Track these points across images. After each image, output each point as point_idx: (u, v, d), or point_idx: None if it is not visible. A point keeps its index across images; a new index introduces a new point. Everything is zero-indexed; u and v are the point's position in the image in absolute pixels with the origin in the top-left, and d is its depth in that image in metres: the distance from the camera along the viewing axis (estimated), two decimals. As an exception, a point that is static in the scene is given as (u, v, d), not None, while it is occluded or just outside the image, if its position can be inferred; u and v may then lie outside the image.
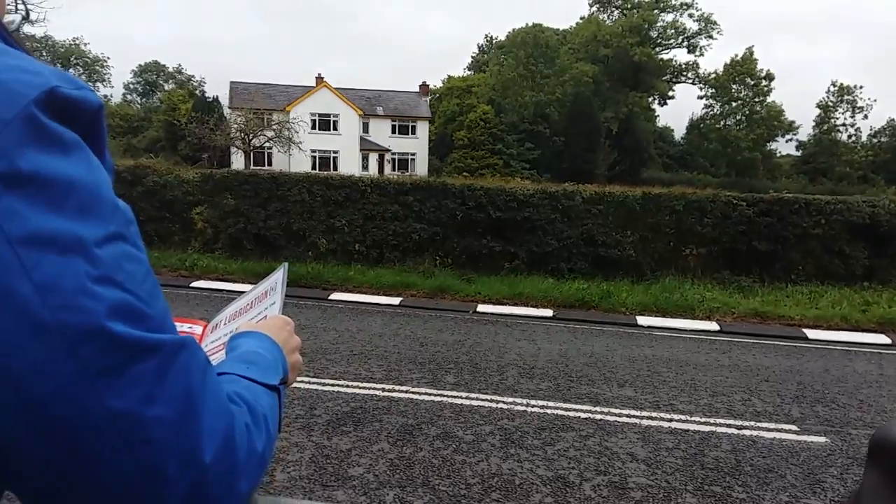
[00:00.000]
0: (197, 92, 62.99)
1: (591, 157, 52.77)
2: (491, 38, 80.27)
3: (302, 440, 5.11)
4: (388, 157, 53.32)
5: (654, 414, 6.20)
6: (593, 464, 5.00)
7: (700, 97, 69.07)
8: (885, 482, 0.65)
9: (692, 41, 66.29)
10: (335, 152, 49.11)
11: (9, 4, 0.78)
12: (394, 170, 51.61)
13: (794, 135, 64.01)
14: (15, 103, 0.53)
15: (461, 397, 6.38)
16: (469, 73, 75.87)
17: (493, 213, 13.26)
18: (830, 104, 62.26)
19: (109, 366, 0.53)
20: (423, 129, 55.76)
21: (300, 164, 41.57)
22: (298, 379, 6.47)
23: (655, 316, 10.99)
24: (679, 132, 71.09)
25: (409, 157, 54.28)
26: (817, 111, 62.87)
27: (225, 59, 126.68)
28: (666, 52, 67.51)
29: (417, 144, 55.08)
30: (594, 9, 68.71)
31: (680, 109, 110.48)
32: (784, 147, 73.25)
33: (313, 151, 47.16)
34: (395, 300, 11.37)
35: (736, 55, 62.57)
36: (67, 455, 0.53)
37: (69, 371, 0.52)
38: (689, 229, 13.34)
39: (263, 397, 0.77)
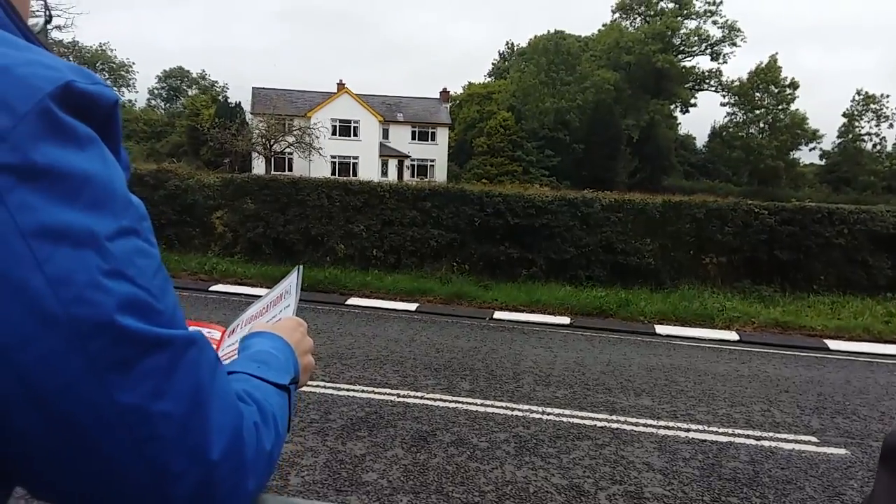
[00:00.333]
0: (220, 97, 63.60)
1: (612, 164, 52.55)
2: (512, 44, 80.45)
3: (316, 444, 5.12)
4: (407, 163, 53.46)
5: (671, 424, 6.14)
6: (609, 473, 4.95)
7: (723, 104, 68.56)
8: None
9: (715, 48, 65.84)
10: (355, 158, 49.33)
11: (36, 12, 0.79)
12: (413, 176, 51.68)
13: (818, 143, 63.29)
14: (30, 97, 0.53)
15: (476, 404, 6.35)
16: (489, 79, 75.93)
17: (512, 219, 13.23)
18: (856, 113, 61.49)
19: (118, 360, 0.54)
20: (442, 135, 55.87)
21: (320, 169, 41.80)
22: (314, 383, 6.50)
23: (674, 325, 10.89)
24: (701, 140, 70.60)
25: (429, 163, 54.36)
26: (842, 120, 62.15)
27: (248, 65, 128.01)
28: (689, 59, 67.15)
29: (437, 151, 55.17)
30: (617, 15, 68.52)
31: (702, 117, 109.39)
32: (807, 156, 72.43)
33: (333, 157, 47.43)
34: (412, 306, 11.38)
35: (760, 62, 62.05)
36: (75, 448, 0.53)
37: (78, 365, 0.52)
38: (710, 238, 13.21)
39: (273, 397, 0.77)
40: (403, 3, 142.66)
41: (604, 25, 68.45)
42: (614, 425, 6.01)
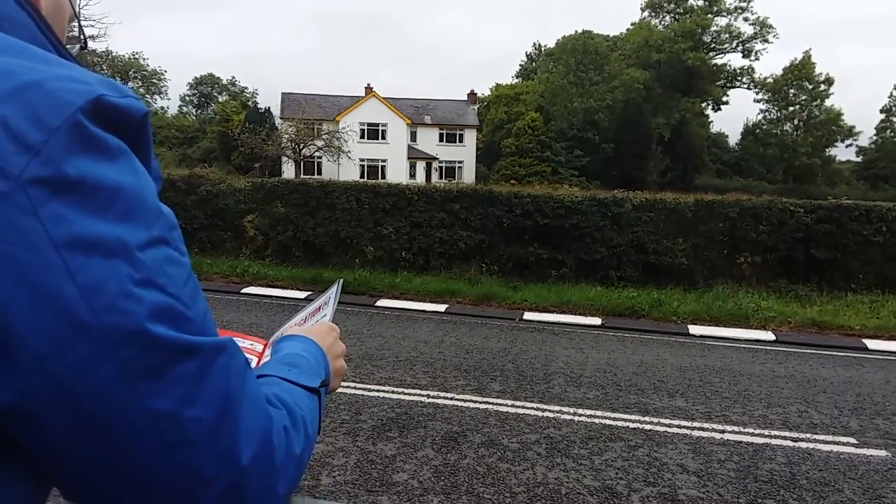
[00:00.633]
0: (250, 103, 64.45)
1: (643, 163, 52.06)
2: (540, 45, 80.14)
3: (347, 445, 5.13)
4: (435, 165, 53.59)
5: (705, 425, 6.04)
6: (642, 475, 4.89)
7: (756, 101, 67.49)
8: None
9: (747, 45, 64.87)
10: (383, 161, 49.59)
11: (70, 33, 0.80)
12: (441, 178, 51.77)
13: (855, 140, 61.97)
14: (62, 111, 0.54)
15: (507, 405, 6.32)
16: (517, 80, 75.75)
17: (541, 220, 13.16)
18: (894, 108, 60.03)
19: (150, 367, 0.55)
20: (470, 137, 55.89)
21: (349, 172, 42.10)
22: (344, 384, 6.52)
23: (708, 325, 10.73)
24: (733, 138, 69.61)
25: (457, 165, 54.41)
26: (881, 116, 60.76)
27: (277, 71, 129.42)
28: (720, 56, 66.25)
29: (465, 152, 55.20)
30: (646, 14, 67.86)
31: (734, 115, 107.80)
32: (843, 153, 70.88)
33: (362, 160, 47.75)
34: (441, 307, 11.37)
35: (795, 58, 60.98)
36: (107, 454, 0.55)
37: (111, 372, 0.53)
38: (744, 237, 12.99)
39: (303, 400, 0.79)
40: (430, 6, 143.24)
41: (632, 24, 67.89)
42: (647, 426, 5.93)
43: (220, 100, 76.31)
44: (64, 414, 0.52)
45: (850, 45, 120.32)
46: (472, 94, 59.27)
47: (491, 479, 4.67)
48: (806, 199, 14.60)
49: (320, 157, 44.11)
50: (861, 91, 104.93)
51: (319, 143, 42.02)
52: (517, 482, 4.66)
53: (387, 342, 8.65)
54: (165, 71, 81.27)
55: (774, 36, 64.53)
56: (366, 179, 30.63)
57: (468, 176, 52.72)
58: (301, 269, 13.34)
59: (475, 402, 6.37)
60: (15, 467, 0.56)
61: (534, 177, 49.24)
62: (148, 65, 73.41)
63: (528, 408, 6.27)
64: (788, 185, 54.29)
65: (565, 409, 6.30)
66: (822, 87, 59.81)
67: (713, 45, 65.45)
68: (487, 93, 68.11)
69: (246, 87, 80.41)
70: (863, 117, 73.24)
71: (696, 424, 6.04)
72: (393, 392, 6.51)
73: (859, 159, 63.72)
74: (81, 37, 0.84)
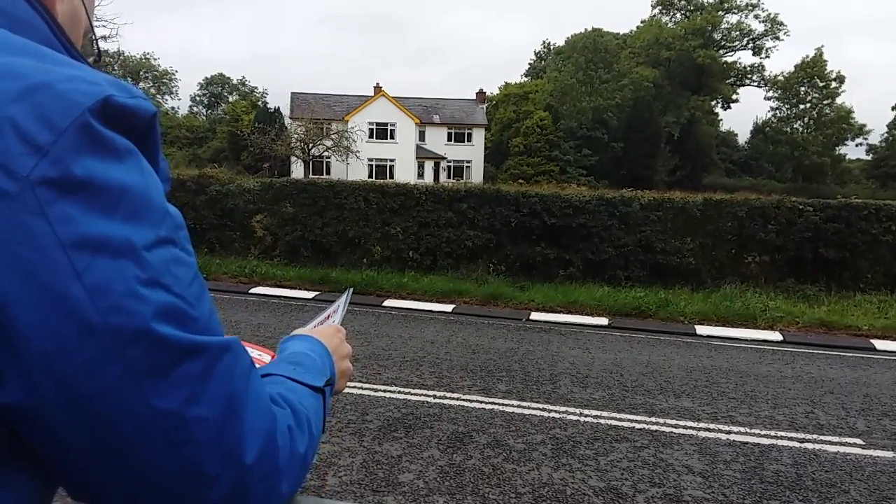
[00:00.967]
0: (259, 103, 64.67)
1: (651, 162, 51.89)
2: (549, 44, 79.96)
3: (353, 445, 5.17)
4: (443, 164, 53.59)
5: (711, 426, 6.03)
6: (647, 475, 4.89)
7: (767, 98, 67.14)
8: None
9: (757, 43, 64.61)
10: (392, 160, 49.66)
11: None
12: (449, 177, 51.81)
13: (865, 138, 61.55)
14: (70, 112, 0.55)
15: (513, 405, 6.34)
16: (526, 79, 75.62)
17: (548, 219, 13.15)
18: (906, 106, 59.58)
19: (155, 366, 0.55)
20: (478, 136, 55.86)
21: (357, 172, 42.20)
22: (351, 384, 6.55)
23: (715, 325, 10.70)
24: (743, 136, 69.23)
25: (465, 164, 54.41)
26: (892, 114, 60.27)
27: (287, 71, 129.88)
28: (730, 54, 65.96)
29: (473, 152, 55.18)
30: (656, 11, 67.62)
31: (744, 113, 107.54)
32: (853, 152, 70.41)
33: (370, 160, 47.83)
34: (448, 307, 11.39)
35: (806, 56, 60.60)
36: (112, 453, 0.55)
37: (116, 371, 0.54)
38: (752, 236, 12.93)
39: (308, 399, 0.79)
40: (440, 5, 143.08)
41: (642, 22, 67.67)
42: (653, 427, 5.93)
43: (230, 100, 76.62)
44: (70, 413, 0.53)
45: (861, 42, 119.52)
46: (480, 94, 59.22)
47: (496, 480, 4.70)
48: (815, 197, 14.50)
49: (329, 157, 44.21)
50: (872, 89, 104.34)
51: (328, 143, 42.11)
52: (522, 483, 4.68)
53: (394, 342, 8.68)
54: (176, 71, 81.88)
55: (785, 33, 64.48)
56: (374, 179, 30.70)
57: (476, 175, 52.72)
58: (309, 269, 13.38)
59: (481, 402, 6.39)
60: (22, 466, 0.57)
61: (542, 176, 49.16)
62: (159, 65, 73.89)
63: (533, 408, 6.29)
64: (798, 183, 53.99)
65: (571, 409, 6.31)
66: (834, 84, 59.44)
67: (723, 43, 65.19)
68: (496, 92, 68.12)
69: (256, 87, 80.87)
70: (873, 115, 72.61)
71: (702, 425, 6.04)
72: (399, 392, 6.54)
73: (869, 157, 63.25)
74: (96, 49, 0.84)
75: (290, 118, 49.22)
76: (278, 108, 53.82)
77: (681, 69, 60.71)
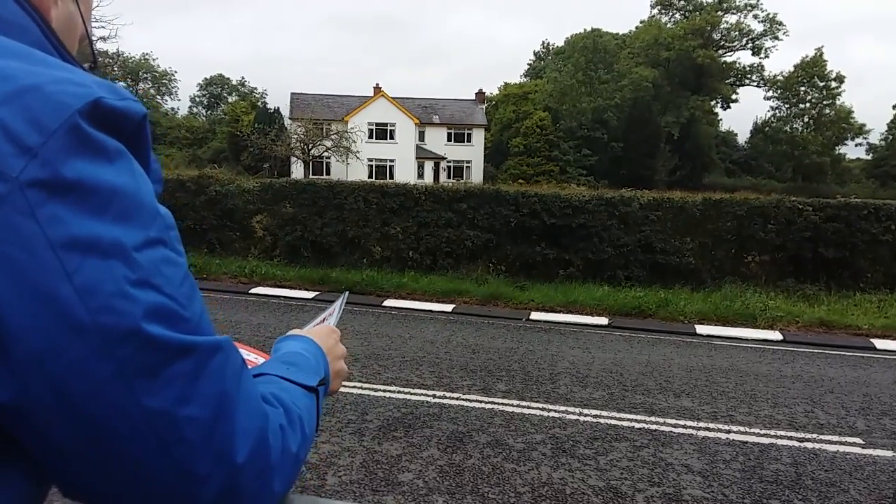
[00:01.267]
0: (259, 104, 64.67)
1: (651, 162, 51.90)
2: (548, 44, 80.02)
3: (353, 445, 5.17)
4: (443, 164, 53.62)
5: (711, 425, 6.03)
6: (647, 475, 4.90)
7: (766, 98, 67.17)
8: None
9: (757, 43, 64.61)
10: (391, 161, 49.67)
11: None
12: (449, 178, 51.84)
13: (865, 138, 61.56)
14: (60, 114, 0.55)
15: (512, 405, 6.34)
16: (526, 79, 75.64)
17: (548, 219, 13.15)
18: (905, 105, 59.58)
19: (145, 366, 0.55)
20: (478, 136, 55.89)
21: (357, 172, 42.22)
22: (351, 384, 6.57)
23: (715, 325, 10.70)
24: (742, 136, 69.23)
25: (465, 164, 54.44)
26: (893, 113, 60.29)
27: (286, 72, 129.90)
28: (729, 54, 65.98)
29: (473, 152, 55.21)
30: (655, 11, 67.67)
31: (744, 113, 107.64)
32: (853, 151, 70.40)
33: (370, 160, 47.85)
34: (448, 307, 11.39)
35: (805, 56, 60.65)
36: (103, 452, 0.55)
37: (107, 371, 0.54)
38: (752, 236, 12.93)
39: (301, 398, 0.79)
40: (440, 6, 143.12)
41: (642, 22, 67.71)
42: (653, 427, 5.94)
43: (229, 100, 76.64)
44: (60, 413, 0.53)
45: (861, 42, 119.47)
46: (480, 94, 59.25)
47: (496, 479, 4.70)
48: (815, 197, 14.50)
49: (329, 158, 44.23)
50: (871, 88, 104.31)
51: (328, 144, 42.14)
52: (522, 482, 4.68)
53: (394, 342, 8.68)
54: (176, 72, 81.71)
55: (784, 33, 64.53)
56: (374, 179, 30.68)
57: (476, 175, 52.75)
58: (309, 269, 13.38)
59: (481, 402, 6.39)
60: (14, 465, 0.57)
61: (542, 176, 49.25)
62: (158, 66, 73.92)
63: (533, 408, 6.29)
64: (798, 183, 53.99)
65: (571, 409, 6.31)
66: (834, 84, 59.46)
67: (723, 43, 65.21)
68: (496, 92, 68.12)
69: (255, 88, 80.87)
70: (873, 115, 72.61)
71: (701, 424, 6.04)
72: (399, 392, 6.54)
73: (869, 157, 63.27)
74: (92, 56, 0.84)
75: (290, 119, 49.23)
76: (278, 108, 53.98)
77: (680, 69, 60.73)
